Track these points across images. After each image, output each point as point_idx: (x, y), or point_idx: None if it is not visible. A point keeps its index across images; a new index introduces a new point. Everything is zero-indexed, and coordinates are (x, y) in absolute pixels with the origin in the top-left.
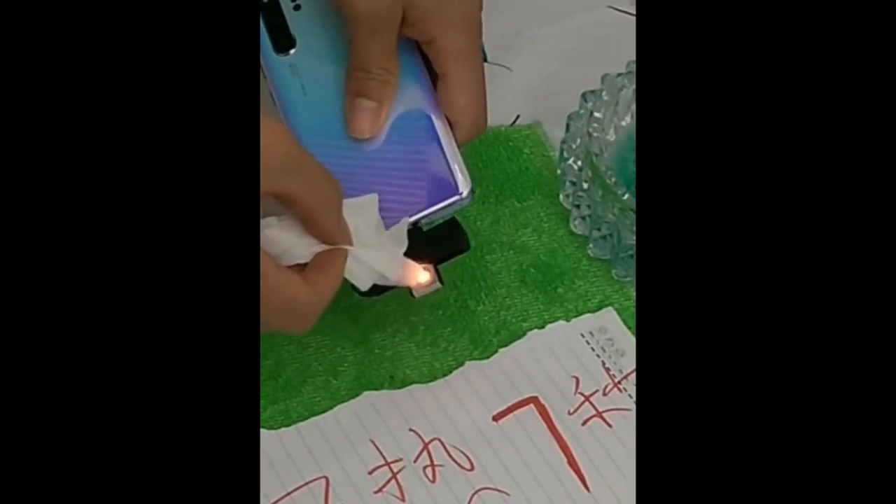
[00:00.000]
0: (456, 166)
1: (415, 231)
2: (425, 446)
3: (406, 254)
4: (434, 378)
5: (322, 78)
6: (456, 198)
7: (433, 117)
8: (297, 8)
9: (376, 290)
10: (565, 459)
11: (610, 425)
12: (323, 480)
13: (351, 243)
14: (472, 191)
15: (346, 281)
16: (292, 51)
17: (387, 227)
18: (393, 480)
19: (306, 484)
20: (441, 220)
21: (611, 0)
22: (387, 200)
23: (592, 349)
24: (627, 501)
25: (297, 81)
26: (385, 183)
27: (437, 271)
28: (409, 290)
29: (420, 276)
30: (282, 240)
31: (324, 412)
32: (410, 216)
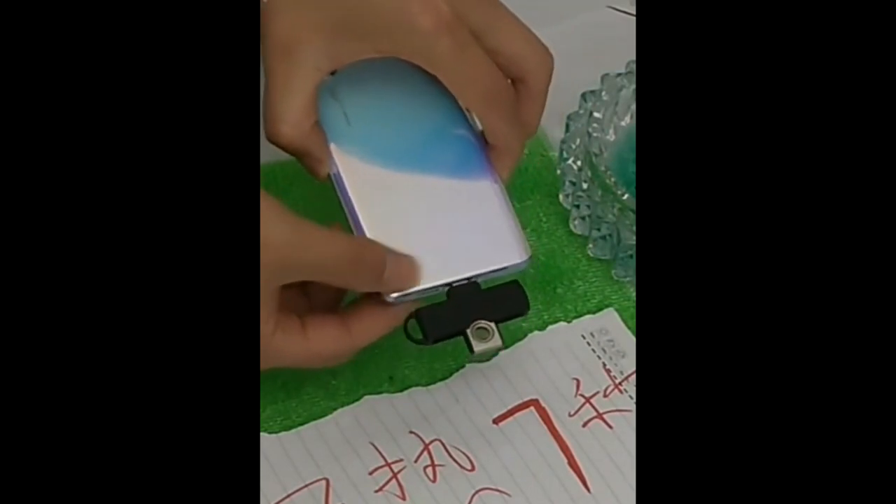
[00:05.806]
0: (519, 232)
1: (472, 288)
2: (426, 447)
3: (466, 311)
4: (433, 379)
5: (367, 106)
6: (518, 262)
7: (495, 181)
8: None
9: (434, 340)
10: (566, 460)
11: (611, 426)
12: (323, 482)
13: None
14: (530, 257)
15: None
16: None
17: (444, 280)
18: (393, 480)
19: (306, 486)
20: (499, 281)
21: (611, 0)
22: (445, 256)
23: (593, 350)
24: (628, 502)
25: (338, 108)
26: (444, 240)
27: (497, 330)
28: (467, 344)
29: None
30: None
31: (323, 413)
32: (470, 273)
